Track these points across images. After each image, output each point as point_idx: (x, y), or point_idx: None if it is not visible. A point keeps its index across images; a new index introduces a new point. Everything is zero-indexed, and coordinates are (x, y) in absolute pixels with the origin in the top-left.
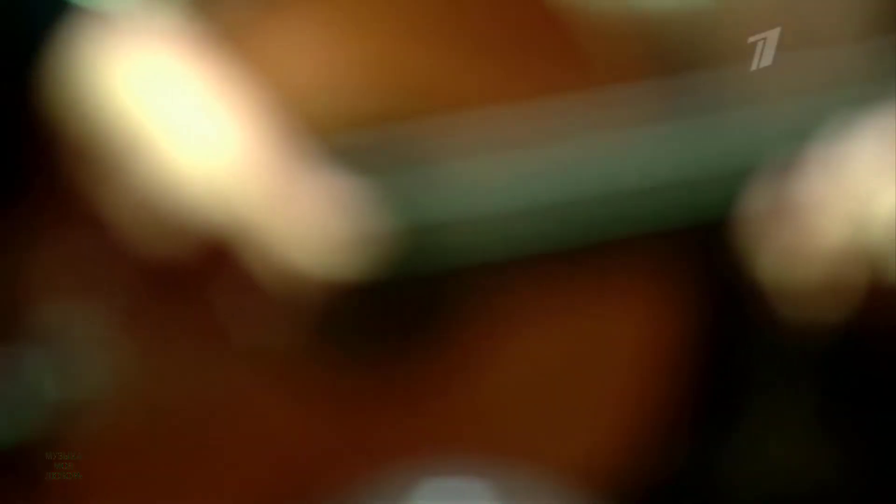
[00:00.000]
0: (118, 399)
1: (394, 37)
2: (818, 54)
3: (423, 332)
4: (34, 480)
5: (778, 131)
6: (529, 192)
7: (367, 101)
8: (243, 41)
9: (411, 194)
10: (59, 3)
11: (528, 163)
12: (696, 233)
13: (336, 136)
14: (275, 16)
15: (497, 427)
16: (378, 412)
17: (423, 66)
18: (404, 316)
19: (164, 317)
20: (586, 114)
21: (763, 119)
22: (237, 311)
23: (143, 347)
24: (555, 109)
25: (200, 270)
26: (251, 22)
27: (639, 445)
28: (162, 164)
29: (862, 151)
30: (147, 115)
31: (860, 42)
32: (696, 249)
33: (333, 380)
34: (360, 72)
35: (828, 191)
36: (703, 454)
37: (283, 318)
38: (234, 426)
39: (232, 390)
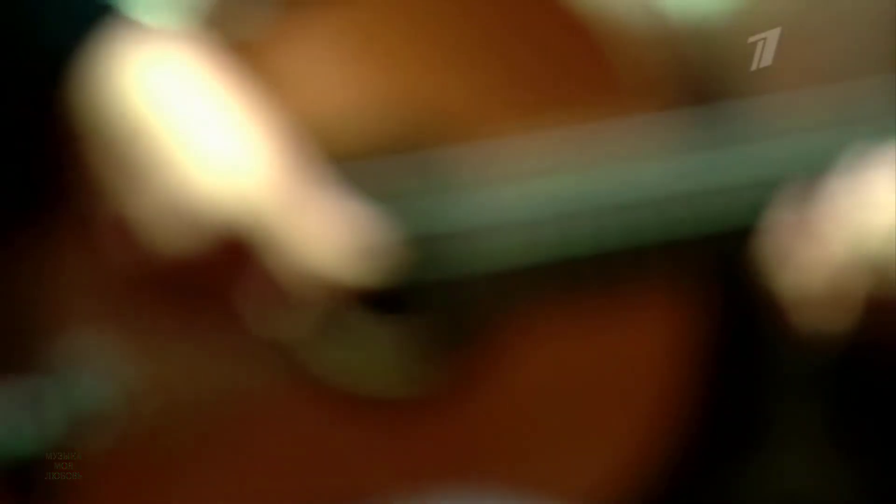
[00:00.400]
0: (138, 405)
1: (416, 60)
2: (838, 86)
3: (441, 350)
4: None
5: (796, 157)
6: (547, 211)
7: (387, 123)
8: (267, 58)
9: (430, 216)
10: (90, 12)
11: (548, 184)
12: (714, 251)
13: (356, 158)
14: (298, 36)
15: (514, 446)
16: (395, 427)
17: (446, 89)
18: (424, 333)
19: (183, 324)
20: (610, 138)
21: (782, 145)
22: (258, 318)
23: (163, 355)
24: (580, 133)
25: (221, 278)
26: (275, 40)
27: (655, 464)
28: (183, 174)
29: (876, 179)
30: (167, 125)
31: (879, 76)
32: (714, 267)
33: (354, 391)
34: (382, 94)
35: (843, 214)
36: (718, 471)
37: (301, 328)
38: (253, 433)
39: (253, 397)
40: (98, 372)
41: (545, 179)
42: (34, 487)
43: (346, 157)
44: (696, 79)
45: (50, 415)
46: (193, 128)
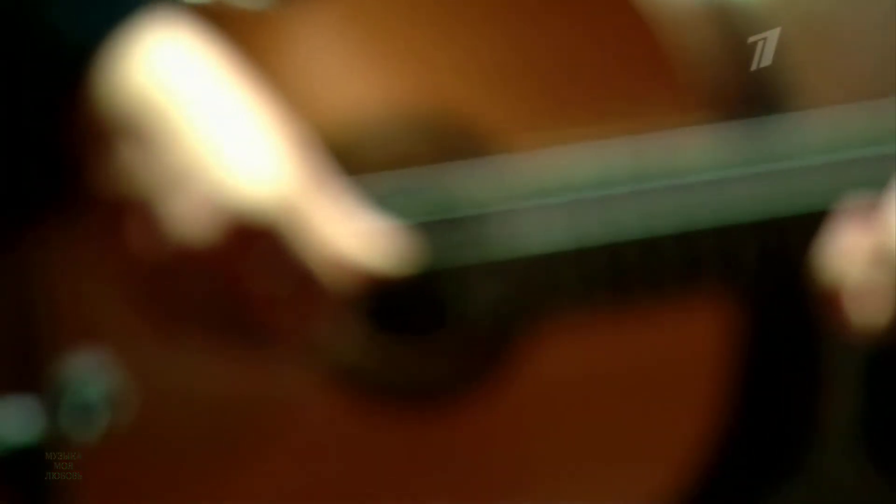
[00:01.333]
0: (148, 406)
1: (442, 69)
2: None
3: (475, 351)
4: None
5: (851, 167)
6: (592, 209)
7: (410, 135)
8: (281, 50)
9: (461, 215)
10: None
11: (584, 196)
12: (765, 249)
13: (378, 173)
14: (323, 43)
15: (552, 452)
16: (420, 429)
17: (474, 101)
18: (458, 335)
19: (201, 321)
20: (661, 147)
21: (835, 160)
22: (280, 315)
23: (179, 356)
24: (614, 147)
25: (246, 272)
26: (291, 31)
27: (699, 468)
28: (209, 165)
29: None
30: (190, 114)
31: None
32: (763, 266)
33: (379, 393)
34: (406, 97)
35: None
36: (761, 475)
37: (324, 327)
38: (276, 435)
39: (276, 398)
40: (106, 371)
41: (588, 186)
42: (35, 487)
43: (364, 158)
44: (746, 84)
45: (53, 414)
46: (216, 116)
